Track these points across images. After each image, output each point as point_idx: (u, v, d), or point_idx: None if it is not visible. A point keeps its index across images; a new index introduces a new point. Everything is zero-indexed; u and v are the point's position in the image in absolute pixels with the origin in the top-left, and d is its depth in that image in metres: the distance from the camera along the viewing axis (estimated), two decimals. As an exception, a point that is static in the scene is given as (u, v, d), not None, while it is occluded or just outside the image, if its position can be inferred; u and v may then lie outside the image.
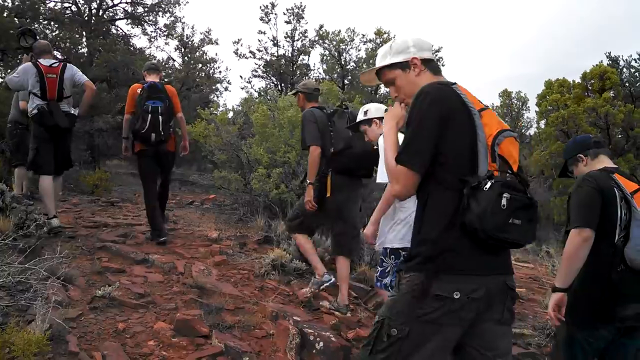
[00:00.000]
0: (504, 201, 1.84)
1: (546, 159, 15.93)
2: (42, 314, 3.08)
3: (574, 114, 15.24)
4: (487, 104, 2.20)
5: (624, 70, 21.79)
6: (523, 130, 25.55)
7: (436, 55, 23.02)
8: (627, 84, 21.23)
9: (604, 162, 3.17)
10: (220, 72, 21.07)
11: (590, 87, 17.17)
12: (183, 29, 19.38)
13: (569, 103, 16.08)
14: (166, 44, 19.46)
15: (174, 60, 19.47)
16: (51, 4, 15.39)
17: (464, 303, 1.86)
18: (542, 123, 18.43)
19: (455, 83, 2.07)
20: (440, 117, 1.92)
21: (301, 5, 21.77)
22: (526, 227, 1.92)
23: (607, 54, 21.77)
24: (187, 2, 18.49)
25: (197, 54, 20.18)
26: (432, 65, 2.27)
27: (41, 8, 14.18)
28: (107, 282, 4.42)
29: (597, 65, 18.00)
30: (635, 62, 21.65)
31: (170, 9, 17.57)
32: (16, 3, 13.30)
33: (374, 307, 4.99)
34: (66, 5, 16.33)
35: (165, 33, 17.79)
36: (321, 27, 23.06)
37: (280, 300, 4.80)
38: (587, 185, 2.93)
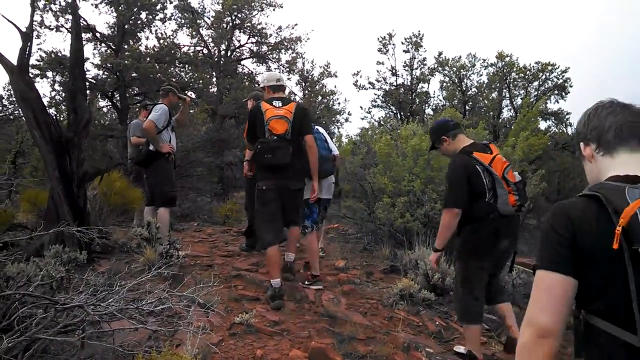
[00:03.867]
0: None
1: None
2: (190, 339, 3.29)
3: None
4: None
5: None
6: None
7: (563, 76, 22.06)
8: None
9: (462, 140, 4.20)
10: (339, 103, 21.61)
11: None
12: (304, 63, 20.16)
13: None
14: (288, 79, 20.19)
15: (295, 95, 20.19)
16: (185, 49, 16.62)
17: None
18: None
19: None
20: None
21: (419, 34, 21.88)
22: None
23: None
24: (308, 39, 19.26)
25: (317, 87, 20.84)
26: None
27: (177, 53, 15.35)
28: (243, 309, 4.62)
29: None
30: None
31: (292, 46, 18.34)
32: (156, 49, 14.50)
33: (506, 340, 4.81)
34: (198, 48, 17.57)
35: (288, 69, 18.54)
36: (440, 54, 22.97)
37: (410, 331, 4.76)
38: (456, 170, 4.01)
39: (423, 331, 4.88)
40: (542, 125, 22.05)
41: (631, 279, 1.40)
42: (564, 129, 23.18)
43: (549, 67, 22.46)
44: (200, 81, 16.04)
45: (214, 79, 17.28)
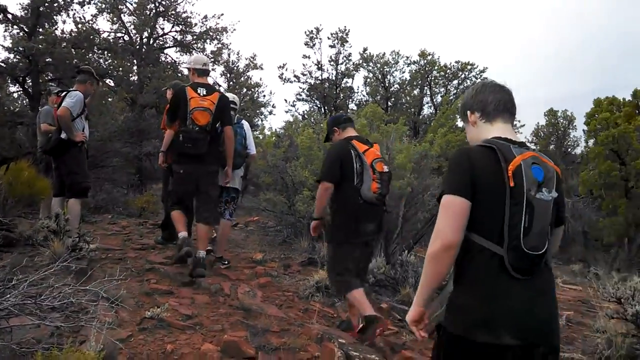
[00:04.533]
0: None
1: (595, 178, 15.54)
2: (95, 335, 3.17)
3: (625, 132, 14.86)
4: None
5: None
6: (569, 150, 25.03)
7: (481, 76, 22.92)
8: (679, 101, 20.62)
9: (350, 132, 4.69)
10: (264, 96, 21.44)
11: (641, 105, 16.75)
12: (229, 55, 19.83)
13: (620, 121, 15.69)
14: (213, 69, 19.86)
15: (219, 86, 19.89)
16: (105, 35, 15.98)
17: None
18: (591, 142, 18.02)
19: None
20: None
21: (345, 29, 22.03)
22: None
23: (659, 71, 21.20)
24: (234, 30, 18.90)
25: (242, 79, 20.59)
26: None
27: (96, 39, 14.73)
28: (155, 303, 4.51)
29: (648, 82, 17.54)
30: (688, 78, 21.01)
31: (218, 36, 17.98)
32: (73, 34, 13.85)
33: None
34: (119, 35, 16.94)
35: (213, 59, 18.20)
36: (365, 50, 23.26)
37: (324, 323, 4.81)
38: (332, 150, 4.58)
39: (337, 322, 4.93)
40: (460, 123, 22.74)
41: (507, 208, 1.96)
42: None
43: (468, 67, 23.28)
44: (120, 69, 15.46)
45: (135, 67, 16.71)
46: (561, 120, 24.83)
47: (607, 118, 16.11)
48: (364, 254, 4.64)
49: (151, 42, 17.45)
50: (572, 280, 11.01)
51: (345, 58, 22.59)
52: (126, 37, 17.15)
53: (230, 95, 6.31)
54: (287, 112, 23.11)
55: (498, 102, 2.25)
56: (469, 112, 2.31)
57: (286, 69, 22.39)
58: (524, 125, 23.23)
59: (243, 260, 6.69)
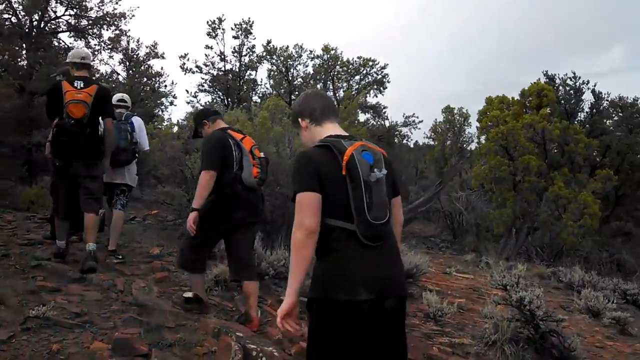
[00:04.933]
0: None
1: (486, 173, 16.38)
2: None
3: (513, 129, 15.76)
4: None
5: (560, 88, 22.72)
6: (465, 145, 26.20)
7: (382, 72, 23.51)
8: (562, 101, 22.14)
9: (220, 124, 4.73)
10: (165, 86, 20.79)
11: (528, 104, 17.82)
12: (128, 42, 19.01)
13: (508, 119, 16.62)
14: (110, 57, 19.03)
15: (118, 74, 19.10)
16: (-12, 14, 14.87)
17: None
18: (483, 138, 18.96)
19: None
20: None
21: (249, 21, 21.84)
22: None
23: (545, 72, 22.70)
24: (133, 16, 18.07)
25: (142, 67, 19.86)
26: None
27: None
28: (41, 301, 4.26)
29: (534, 83, 18.72)
30: (570, 80, 22.62)
31: (116, 22, 17.22)
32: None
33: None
34: (6, 16, 15.80)
35: (110, 46, 17.43)
36: (269, 42, 23.15)
37: (222, 317, 4.75)
38: (210, 139, 4.55)
39: (236, 316, 4.89)
40: (362, 117, 23.25)
41: (350, 191, 2.35)
42: (382, 122, 24.70)
43: (370, 63, 23.75)
44: (7, 53, 14.46)
45: (24, 52, 15.67)
46: (457, 117, 25.91)
47: (497, 116, 17.01)
48: (244, 239, 4.69)
49: (42, 25, 16.43)
50: (465, 270, 11.55)
51: (249, 50, 22.40)
52: (14, 20, 16.04)
53: (121, 95, 6.62)
54: (188, 103, 22.46)
55: (322, 107, 2.66)
56: (300, 119, 2.69)
57: (188, 59, 21.85)
58: (422, 121, 24.06)
59: (139, 255, 6.48)
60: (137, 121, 6.50)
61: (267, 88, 23.81)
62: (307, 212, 2.32)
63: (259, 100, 22.28)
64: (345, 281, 2.34)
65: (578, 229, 14.59)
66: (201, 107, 5.52)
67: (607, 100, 23.27)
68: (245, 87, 22.93)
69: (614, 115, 24.01)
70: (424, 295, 6.74)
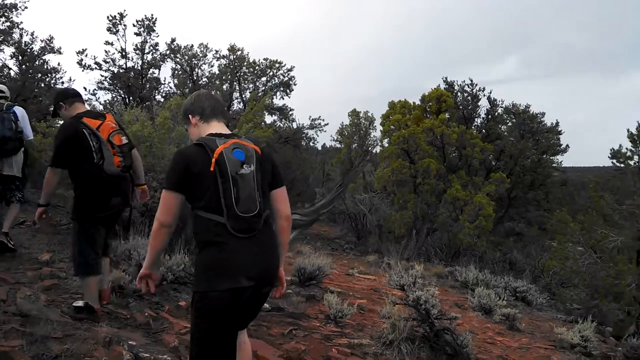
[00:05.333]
0: None
1: (388, 175, 16.82)
2: None
3: (414, 133, 16.29)
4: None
5: (458, 94, 23.77)
6: (370, 148, 26.77)
7: (289, 74, 23.61)
8: (460, 107, 23.18)
9: (79, 108, 4.52)
10: (62, 82, 19.75)
11: (428, 109, 18.48)
12: (21, 35, 17.90)
13: (410, 123, 17.15)
14: (1, 50, 17.82)
15: (9, 69, 17.95)
16: None
17: None
18: (386, 141, 19.47)
19: None
20: None
21: (152, 18, 21.20)
22: None
23: (444, 79, 23.64)
24: (26, 8, 17.01)
25: (37, 63, 18.77)
26: None
27: None
28: None
29: (434, 89, 19.45)
30: (468, 87, 23.71)
31: (6, 14, 16.20)
32: None
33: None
34: None
35: (1, 39, 16.35)
36: (173, 40, 22.64)
37: (115, 325, 4.55)
38: (61, 132, 4.35)
39: (130, 324, 4.71)
40: (268, 119, 23.23)
41: (219, 186, 2.58)
42: (288, 124, 24.79)
43: (277, 65, 23.78)
44: None
45: None
46: (363, 121, 26.43)
47: (399, 120, 17.52)
48: (108, 227, 4.66)
49: None
50: (367, 271, 11.78)
51: (152, 47, 21.76)
52: None
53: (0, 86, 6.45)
54: (87, 101, 21.43)
55: (212, 107, 2.90)
56: (190, 116, 2.92)
57: (86, 55, 20.90)
58: (327, 124, 24.36)
59: (27, 262, 6.08)
60: (19, 110, 6.37)
61: (170, 87, 23.25)
62: (164, 209, 2.65)
63: (162, 100, 21.70)
64: (227, 271, 2.59)
65: (474, 230, 15.29)
66: (60, 88, 5.58)
67: (502, 107, 24.60)
68: (147, 85, 22.25)
69: (507, 121, 25.40)
70: (325, 297, 6.80)
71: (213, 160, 2.58)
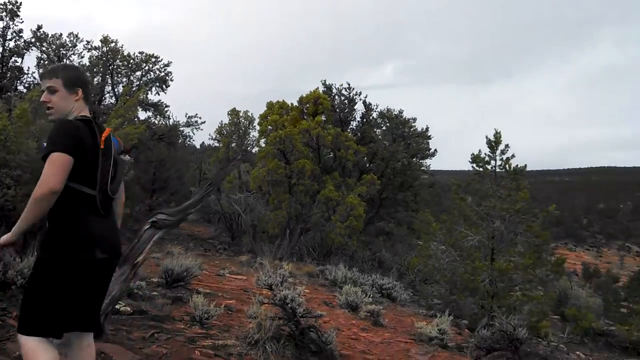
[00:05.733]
0: None
1: (264, 175, 16.88)
2: None
3: (290, 134, 16.46)
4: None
5: (336, 97, 24.35)
6: (249, 148, 26.69)
7: (165, 70, 22.94)
8: (337, 110, 23.76)
9: None
10: None
11: (306, 110, 18.75)
12: None
13: (287, 124, 17.32)
14: None
15: None
16: None
17: None
18: (263, 142, 19.51)
19: None
20: None
21: (17, 2, 19.69)
22: None
23: (323, 82, 24.10)
24: None
25: None
26: None
27: None
28: None
29: (312, 91, 19.78)
30: (345, 90, 24.36)
31: None
32: None
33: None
34: None
35: None
36: (39, 28, 21.18)
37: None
38: None
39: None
40: (142, 115, 22.46)
41: (100, 164, 2.68)
42: (163, 121, 24.08)
43: (153, 59, 23.00)
44: None
45: None
46: (242, 120, 26.28)
47: (276, 120, 17.63)
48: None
49: None
50: (239, 271, 11.74)
51: (14, 34, 20.23)
52: None
53: None
54: None
55: (90, 90, 2.91)
56: (78, 89, 2.80)
57: None
58: (204, 122, 23.94)
59: None
60: None
61: (34, 78, 21.73)
62: (57, 170, 2.50)
63: (25, 90, 20.23)
64: (87, 242, 2.67)
65: (345, 230, 15.74)
66: None
67: (377, 111, 25.55)
68: (9, 74, 20.64)
69: (382, 125, 26.40)
70: (192, 298, 6.68)
71: (102, 139, 2.72)
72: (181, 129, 24.27)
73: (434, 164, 29.20)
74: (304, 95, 19.39)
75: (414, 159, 25.59)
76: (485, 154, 12.37)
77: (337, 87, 24.34)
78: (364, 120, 24.89)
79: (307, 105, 19.20)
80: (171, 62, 23.53)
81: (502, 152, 12.16)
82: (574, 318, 14.57)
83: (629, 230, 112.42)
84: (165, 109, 23.94)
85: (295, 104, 19.49)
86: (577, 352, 12.54)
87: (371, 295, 9.60)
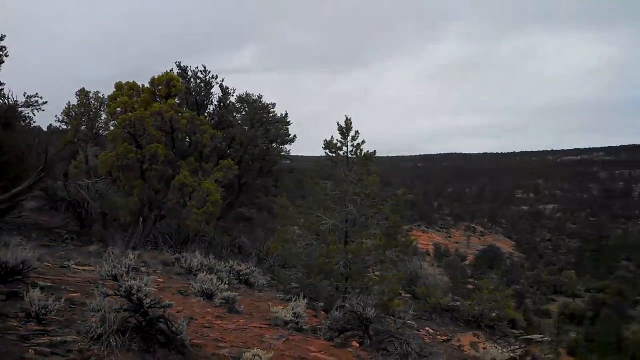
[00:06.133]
0: None
1: (113, 160, 15.96)
2: None
3: (142, 117, 15.70)
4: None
5: (192, 80, 23.68)
6: (101, 132, 25.17)
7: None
8: (193, 93, 23.14)
9: None
10: None
11: (158, 93, 17.98)
12: None
13: (137, 106, 16.49)
14: None
15: None
16: None
17: None
18: (112, 124, 18.46)
19: None
20: None
21: None
22: None
23: (178, 64, 23.31)
24: None
25: None
26: None
27: None
28: None
29: (166, 72, 19.02)
30: (202, 73, 23.76)
31: None
32: None
33: None
34: None
35: None
36: None
37: None
38: None
39: None
40: None
41: None
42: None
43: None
44: None
45: None
46: (93, 102, 24.71)
47: (126, 102, 16.68)
48: None
49: None
50: (86, 262, 11.02)
51: None
52: None
53: None
54: None
55: None
56: None
57: None
58: (46, 102, 22.11)
59: None
60: None
61: None
62: None
63: None
64: None
65: (202, 216, 15.36)
66: None
67: (235, 96, 25.18)
68: None
69: (242, 110, 26.10)
70: (29, 293, 6.11)
71: None
72: (20, 109, 22.27)
73: (296, 150, 29.38)
74: (156, 77, 18.55)
75: (274, 145, 25.63)
76: (337, 140, 12.64)
77: (192, 69, 23.66)
78: (221, 104, 24.44)
79: (160, 87, 18.35)
80: (5, 35, 21.47)
81: (353, 139, 12.51)
82: (423, 296, 15.43)
83: (474, 212, 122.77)
84: (1, 87, 21.82)
85: (147, 85, 18.61)
86: (427, 328, 13.34)
87: (228, 282, 9.44)
